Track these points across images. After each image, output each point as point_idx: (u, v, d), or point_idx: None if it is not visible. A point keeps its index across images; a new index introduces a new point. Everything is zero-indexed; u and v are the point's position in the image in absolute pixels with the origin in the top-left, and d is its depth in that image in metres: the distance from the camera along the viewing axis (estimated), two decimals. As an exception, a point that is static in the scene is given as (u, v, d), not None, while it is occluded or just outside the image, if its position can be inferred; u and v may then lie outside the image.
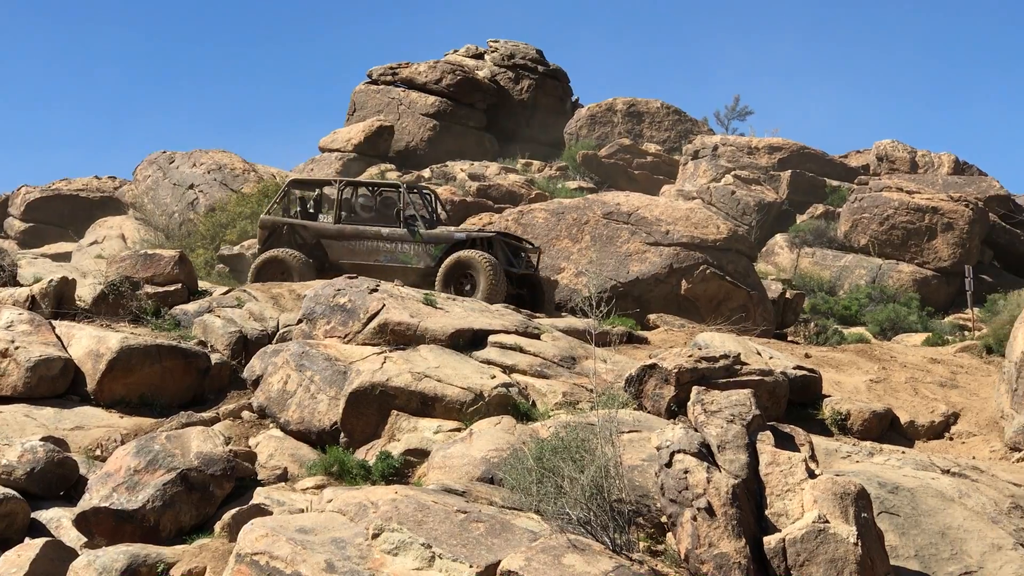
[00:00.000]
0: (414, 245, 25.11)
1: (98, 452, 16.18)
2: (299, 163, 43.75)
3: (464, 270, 24.02)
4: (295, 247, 25.77)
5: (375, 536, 10.41)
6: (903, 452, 15.57)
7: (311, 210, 27.04)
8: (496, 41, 48.08)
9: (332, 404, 16.26)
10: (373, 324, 17.88)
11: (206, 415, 17.41)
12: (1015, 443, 16.64)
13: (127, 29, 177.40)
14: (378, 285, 19.46)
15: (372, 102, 45.54)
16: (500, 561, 9.94)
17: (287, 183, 27.81)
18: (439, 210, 28.18)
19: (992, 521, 13.01)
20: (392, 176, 39.66)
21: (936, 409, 18.25)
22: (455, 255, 24.24)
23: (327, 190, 27.68)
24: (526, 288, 25.54)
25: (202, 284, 24.66)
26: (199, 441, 14.52)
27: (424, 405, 15.72)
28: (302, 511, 12.15)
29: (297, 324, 19.32)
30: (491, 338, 17.90)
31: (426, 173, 40.46)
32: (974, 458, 16.27)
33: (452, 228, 26.43)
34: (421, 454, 14.57)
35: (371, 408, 15.85)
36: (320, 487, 13.51)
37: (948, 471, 14.46)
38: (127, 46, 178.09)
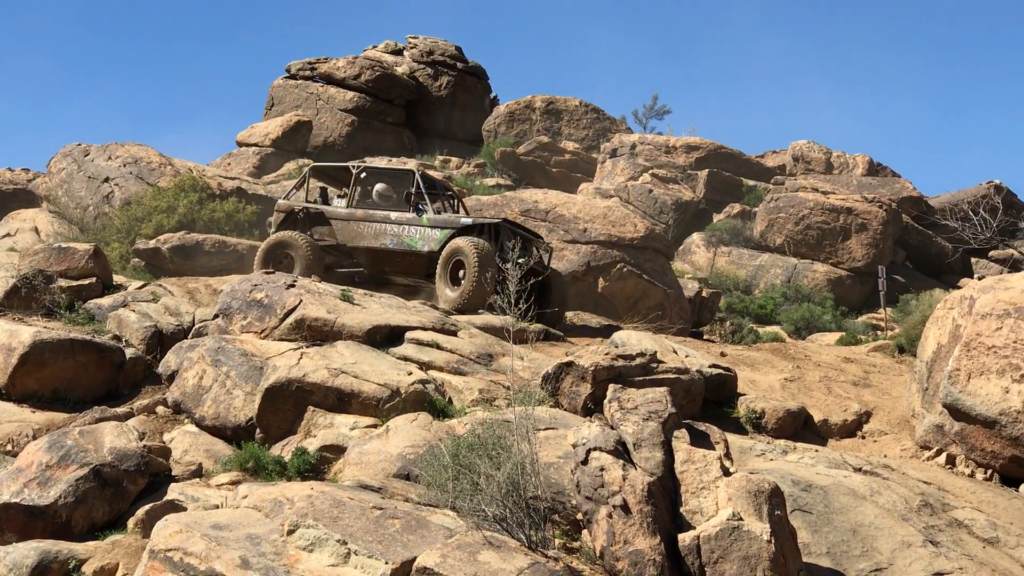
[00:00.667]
0: (421, 229, 24.30)
1: (9, 447, 16.03)
2: (216, 157, 43.44)
3: (456, 257, 23.10)
4: (307, 232, 25.29)
5: (290, 532, 10.37)
6: (816, 450, 15.72)
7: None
8: (415, 38, 47.99)
9: (248, 400, 16.19)
10: (290, 320, 17.81)
11: (120, 410, 17.27)
12: (925, 442, 16.83)
13: (41, 18, 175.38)
14: (295, 280, 19.38)
15: (290, 97, 45.33)
16: (416, 558, 9.94)
17: (308, 169, 27.22)
18: (461, 210, 27.07)
19: (902, 519, 13.16)
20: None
21: (849, 408, 18.41)
22: (452, 242, 23.40)
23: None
24: (535, 285, 23.78)
25: (117, 278, 24.44)
26: (113, 436, 14.40)
27: (341, 401, 15.69)
28: (217, 507, 12.10)
29: (213, 319, 19.20)
30: (408, 335, 17.89)
31: (344, 169, 40.30)
32: (885, 456, 16.44)
33: (461, 215, 25.62)
34: (337, 450, 14.54)
35: (287, 404, 15.81)
36: (235, 483, 13.45)
37: (860, 469, 14.61)
38: (43, 36, 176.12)
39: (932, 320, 18.10)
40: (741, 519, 10.29)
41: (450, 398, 16.19)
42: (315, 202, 26.06)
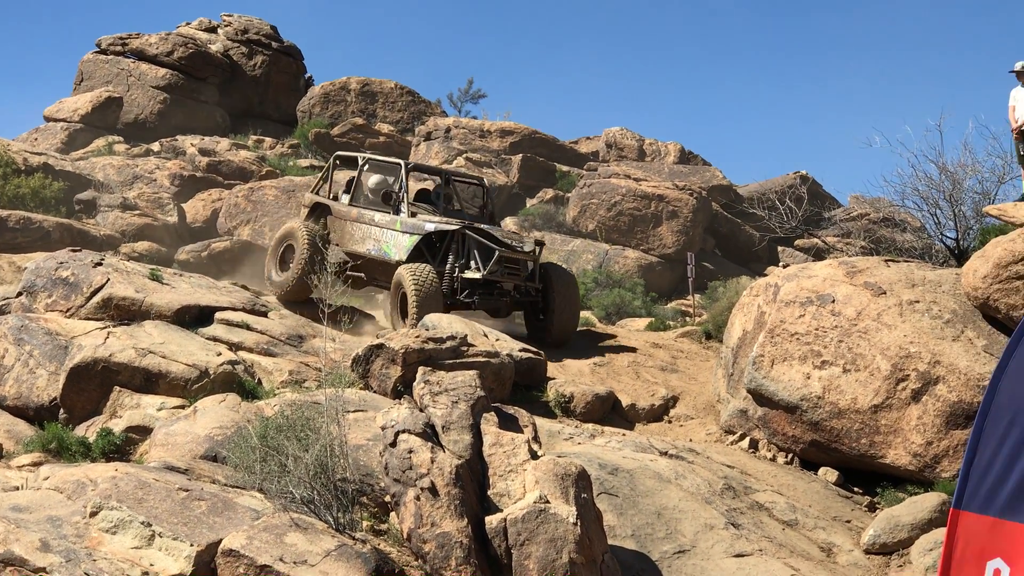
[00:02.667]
0: (395, 235, 21.30)
1: None
2: (23, 132, 42.45)
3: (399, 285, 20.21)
4: (323, 228, 22.76)
5: (93, 514, 10.22)
6: (624, 434, 15.93)
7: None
8: (230, 15, 47.34)
9: (52, 379, 15.90)
10: (97, 299, 17.52)
11: (-82, 390, 16.83)
12: (730, 426, 17.15)
13: None
14: (103, 258, 19.06)
15: (101, 72, 44.40)
16: (221, 540, 9.87)
17: (333, 158, 24.51)
18: (487, 204, 23.69)
19: (706, 501, 13.41)
20: (120, 148, 38.83)
21: (656, 392, 18.68)
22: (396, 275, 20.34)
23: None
24: (527, 295, 21.29)
25: (-82, 257, 23.83)
26: (-91, 417, 14.06)
27: (148, 382, 15.50)
28: (17, 489, 11.84)
29: (16, 297, 18.79)
30: (218, 315, 17.74)
31: (156, 147, 39.65)
32: (691, 440, 16.73)
33: (434, 217, 21.56)
34: (144, 431, 14.35)
35: (93, 384, 15.56)
36: (37, 464, 13.18)
37: (666, 453, 14.85)
38: None
39: (738, 307, 18.46)
40: (548, 502, 10.38)
41: (259, 379, 16.10)
42: (336, 196, 23.52)
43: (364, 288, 22.88)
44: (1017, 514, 6.95)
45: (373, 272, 21.97)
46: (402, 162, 22.67)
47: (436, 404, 11.33)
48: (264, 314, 18.35)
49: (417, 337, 15.68)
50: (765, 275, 20.12)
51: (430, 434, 10.91)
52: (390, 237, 21.28)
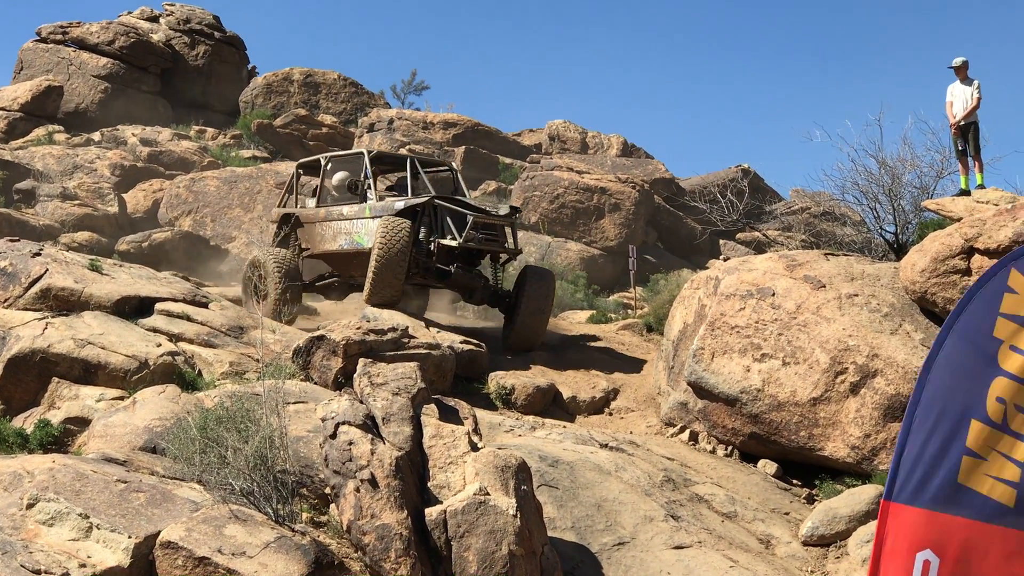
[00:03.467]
0: (365, 222, 20.39)
1: None
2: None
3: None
4: (294, 243, 22.20)
5: (30, 506, 10.14)
6: (565, 427, 15.97)
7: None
8: (172, 4, 47.09)
9: (-11, 370, 15.76)
10: (35, 289, 17.36)
11: None
12: (670, 419, 17.22)
13: None
14: (42, 248, 18.90)
15: (41, 61, 44.09)
16: (160, 531, 9.83)
17: (295, 167, 23.80)
18: (456, 190, 22.71)
19: (646, 494, 13.46)
20: (61, 138, 38.58)
21: (597, 385, 18.73)
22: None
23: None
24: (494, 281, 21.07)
25: None
26: None
27: (87, 373, 15.39)
28: (-47, 480, 11.74)
29: (-46, 287, 18.62)
30: (158, 306, 17.62)
31: (96, 136, 39.43)
32: (631, 433, 16.79)
33: (406, 197, 20.64)
34: (83, 423, 14.25)
35: (31, 375, 15.43)
36: (-27, 456, 13.08)
37: (606, 445, 14.89)
38: None
39: (679, 300, 18.54)
40: (488, 494, 10.40)
41: (200, 371, 16.02)
42: (303, 205, 22.73)
43: (347, 298, 22.30)
44: (946, 505, 7.03)
45: (349, 269, 21.24)
46: (364, 150, 21.89)
47: (376, 396, 11.31)
48: (205, 305, 18.26)
49: (358, 329, 15.65)
50: (706, 268, 20.22)
51: (370, 426, 10.90)
52: (360, 226, 20.43)
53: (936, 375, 7.11)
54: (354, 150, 23.93)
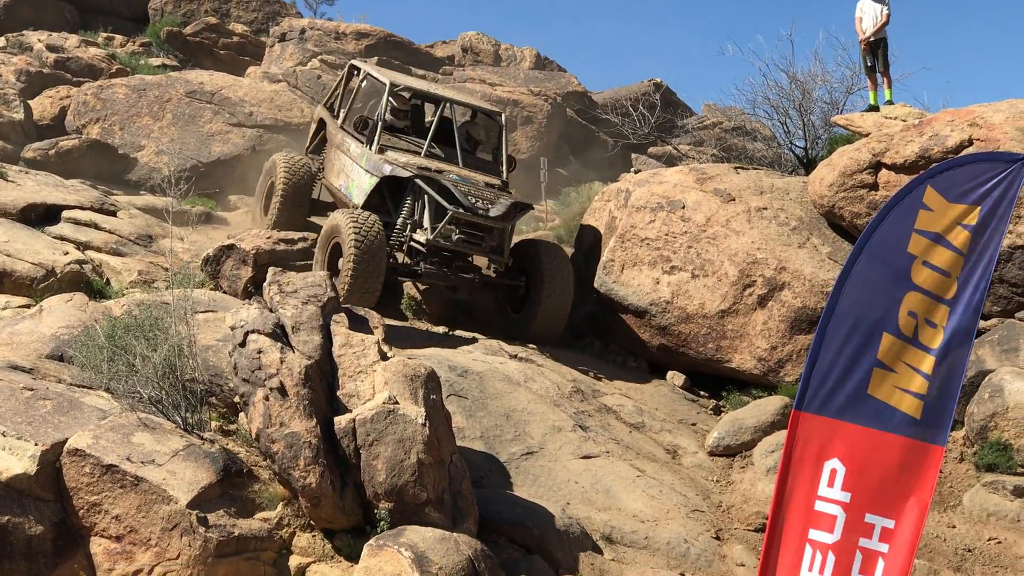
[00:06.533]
0: (361, 173, 16.92)
1: None
2: None
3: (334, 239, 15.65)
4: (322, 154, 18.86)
5: (-65, 414, 10.06)
6: (475, 337, 15.99)
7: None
8: (79, -93, 46.26)
9: None
10: (-61, 195, 17.15)
11: None
12: (580, 330, 17.30)
13: None
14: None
15: (-58, -37, 43.26)
16: (67, 439, 9.79)
17: (348, 65, 20.10)
18: (501, 147, 18.42)
19: (554, 404, 13.57)
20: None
21: (508, 296, 18.75)
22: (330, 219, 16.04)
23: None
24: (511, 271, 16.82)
25: None
26: None
27: (-8, 280, 15.22)
28: None
29: None
30: (66, 213, 17.44)
31: (1, 42, 38.71)
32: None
33: (402, 157, 16.52)
34: (-13, 331, 14.11)
35: (-65, 282, 15.25)
36: None
37: (516, 356, 14.96)
38: None
39: (590, 212, 18.58)
40: (397, 403, 10.43)
41: (108, 279, 15.91)
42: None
43: None
44: (853, 415, 7.16)
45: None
46: (387, 81, 17.88)
47: (286, 304, 11.27)
48: (113, 213, 18.08)
49: (268, 238, 15.59)
50: (618, 181, 20.25)
51: (280, 335, 10.87)
52: (356, 175, 17.09)
53: (849, 289, 7.22)
54: (387, 75, 19.08)
